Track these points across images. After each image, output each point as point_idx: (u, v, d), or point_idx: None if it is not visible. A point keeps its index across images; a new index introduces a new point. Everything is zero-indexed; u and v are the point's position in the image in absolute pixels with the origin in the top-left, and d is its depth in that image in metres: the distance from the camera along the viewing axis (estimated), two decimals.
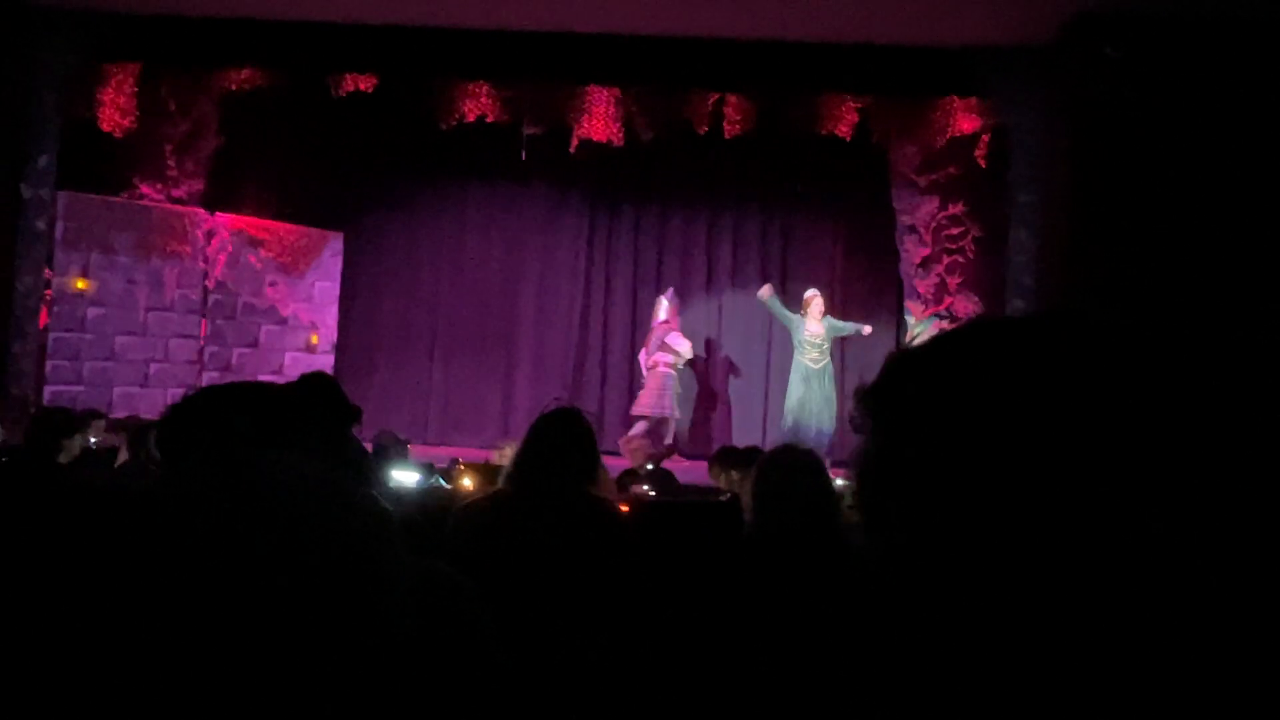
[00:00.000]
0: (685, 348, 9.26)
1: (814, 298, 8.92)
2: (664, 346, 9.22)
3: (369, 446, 5.69)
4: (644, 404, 9.21)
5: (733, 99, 8.45)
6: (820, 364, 8.76)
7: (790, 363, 9.50)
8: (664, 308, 9.37)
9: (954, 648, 0.51)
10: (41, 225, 7.77)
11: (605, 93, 8.48)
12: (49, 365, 7.98)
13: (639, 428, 9.08)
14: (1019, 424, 0.50)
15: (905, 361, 0.55)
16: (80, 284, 8.16)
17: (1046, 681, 0.49)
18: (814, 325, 8.84)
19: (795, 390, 8.76)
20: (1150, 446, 0.49)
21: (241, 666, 0.56)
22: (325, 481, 0.64)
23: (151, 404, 8.13)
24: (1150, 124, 6.86)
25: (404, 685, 0.62)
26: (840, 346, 9.88)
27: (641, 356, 9.51)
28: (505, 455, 5.47)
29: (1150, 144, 6.86)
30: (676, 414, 9.20)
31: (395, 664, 0.61)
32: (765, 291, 8.93)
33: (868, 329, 8.89)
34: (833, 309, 9.31)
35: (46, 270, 7.93)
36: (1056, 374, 0.51)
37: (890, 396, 0.55)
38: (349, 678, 0.59)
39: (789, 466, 2.20)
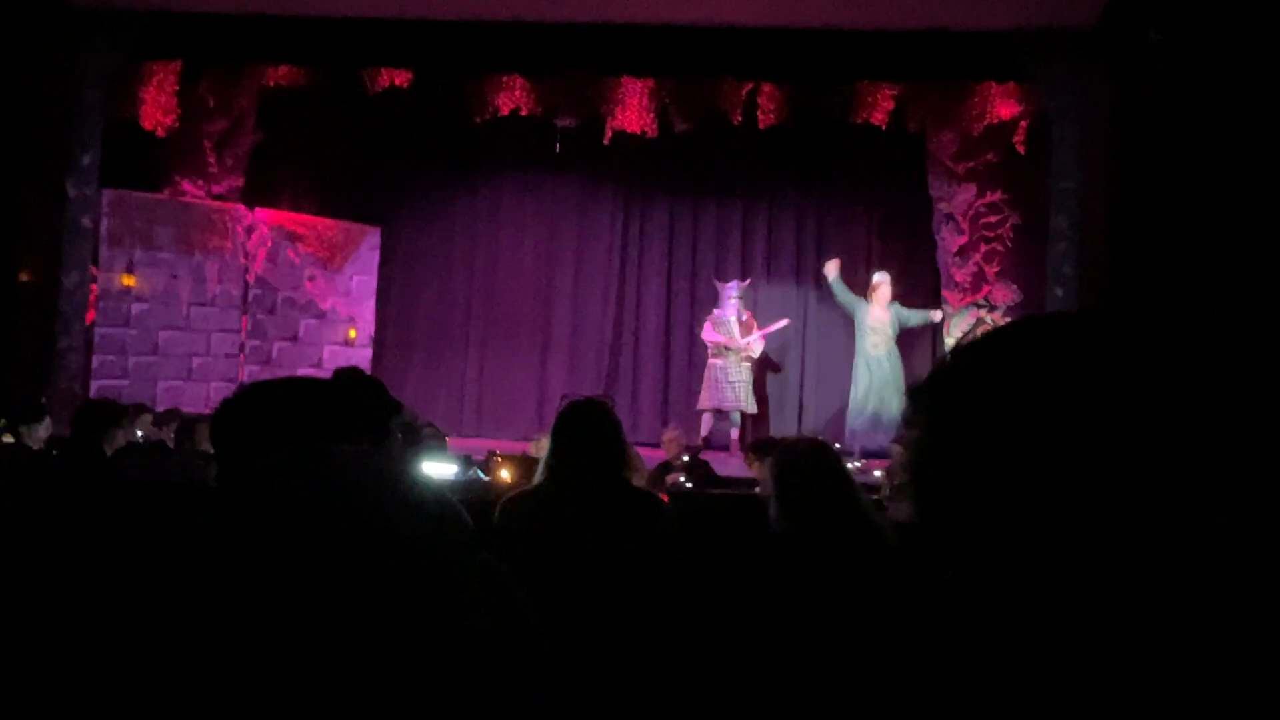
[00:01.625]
0: (717, 340, 9.13)
1: (882, 283, 8.69)
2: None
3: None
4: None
5: (767, 88, 8.40)
6: (882, 349, 8.55)
7: (830, 349, 9.42)
8: (724, 298, 9.23)
9: (1005, 641, 0.51)
10: (87, 223, 7.91)
11: (639, 84, 8.46)
12: (95, 360, 8.14)
13: (704, 421, 9.03)
14: (1075, 423, 0.50)
15: (959, 360, 0.55)
16: (130, 280, 8.32)
17: (1104, 678, 0.49)
18: (879, 311, 8.61)
19: (860, 380, 8.54)
20: (1199, 445, 0.48)
21: (331, 657, 0.56)
22: (397, 475, 0.65)
23: (195, 397, 8.27)
24: (1193, 109, 6.72)
25: (473, 680, 0.63)
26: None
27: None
28: (541, 447, 5.49)
29: (1193, 129, 6.72)
30: (728, 404, 9.02)
31: (468, 659, 0.62)
32: (831, 269, 8.73)
33: (938, 315, 8.66)
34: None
35: (91, 267, 8.08)
36: (1113, 373, 0.50)
37: (946, 395, 0.55)
38: (429, 671, 0.60)
39: (801, 459, 2.17)
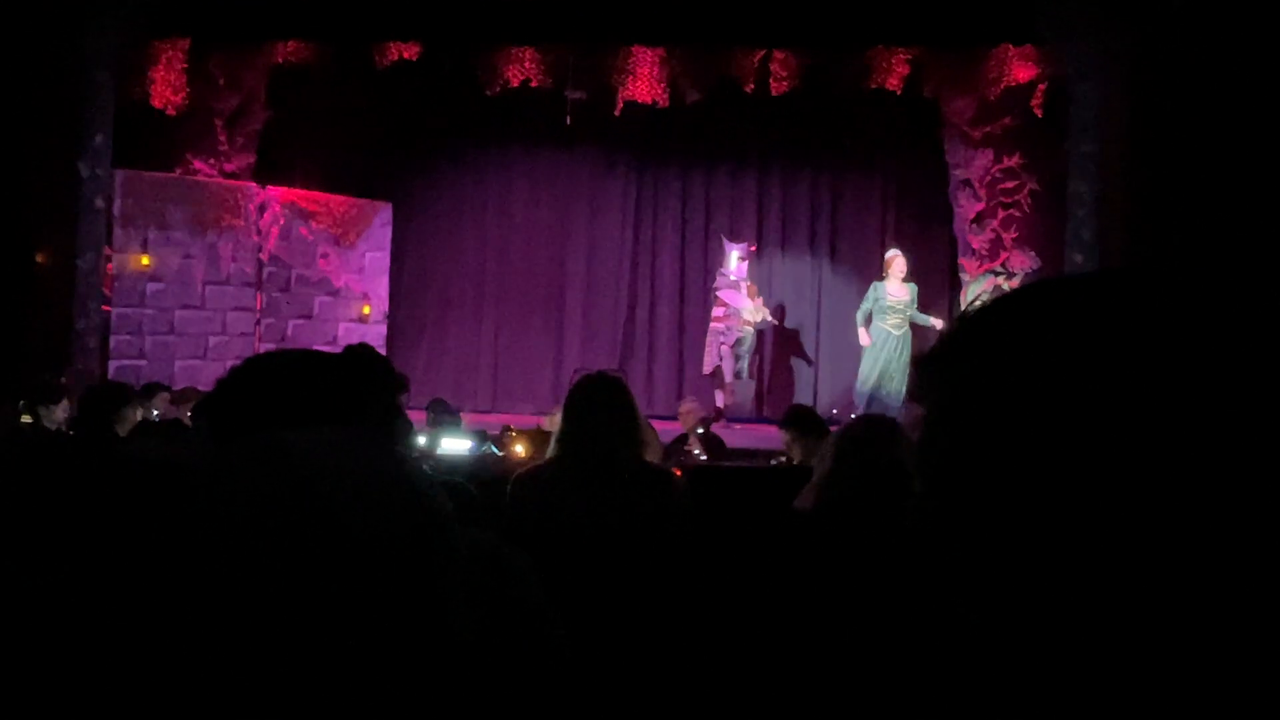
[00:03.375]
0: (740, 305, 8.95)
1: (895, 258, 8.29)
2: (717, 300, 9.08)
3: (424, 414, 5.76)
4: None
5: (779, 55, 8.29)
6: (901, 330, 8.15)
7: (845, 319, 9.30)
8: (730, 259, 9.06)
9: (1011, 628, 0.49)
10: (100, 203, 7.93)
11: (649, 53, 8.38)
12: (112, 341, 8.18)
13: (717, 393, 8.99)
14: (1090, 390, 0.47)
15: (967, 327, 0.52)
16: (143, 260, 8.34)
17: (1110, 671, 0.46)
18: (895, 288, 8.22)
19: (873, 357, 8.16)
20: (1225, 415, 0.45)
21: (281, 652, 0.55)
22: (369, 460, 0.63)
23: (212, 376, 8.31)
24: (1215, 69, 6.58)
25: (461, 666, 0.61)
26: None
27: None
28: (555, 421, 5.49)
29: (1216, 90, 6.58)
30: (731, 374, 8.95)
31: (450, 645, 0.60)
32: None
33: (938, 324, 8.17)
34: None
35: (105, 248, 8.10)
36: (1127, 337, 0.47)
37: (954, 364, 0.52)
38: (404, 662, 0.58)
39: (869, 438, 2.07)
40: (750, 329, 8.96)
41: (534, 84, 8.56)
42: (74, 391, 5.71)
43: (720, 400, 8.96)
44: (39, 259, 7.74)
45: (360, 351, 1.61)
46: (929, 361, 0.52)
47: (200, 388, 7.03)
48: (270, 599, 0.55)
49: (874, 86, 8.29)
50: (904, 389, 8.03)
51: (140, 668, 0.58)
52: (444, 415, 5.55)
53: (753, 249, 9.36)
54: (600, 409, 2.33)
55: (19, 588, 1.02)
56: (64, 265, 7.77)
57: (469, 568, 0.60)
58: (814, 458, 2.55)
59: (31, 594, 0.96)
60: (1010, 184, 8.51)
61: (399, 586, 0.57)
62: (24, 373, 6.49)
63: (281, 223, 8.97)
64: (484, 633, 0.68)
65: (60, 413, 4.99)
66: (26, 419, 4.88)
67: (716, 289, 9.13)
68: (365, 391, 1.17)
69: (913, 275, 8.82)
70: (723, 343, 8.90)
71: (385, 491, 0.60)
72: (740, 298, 8.94)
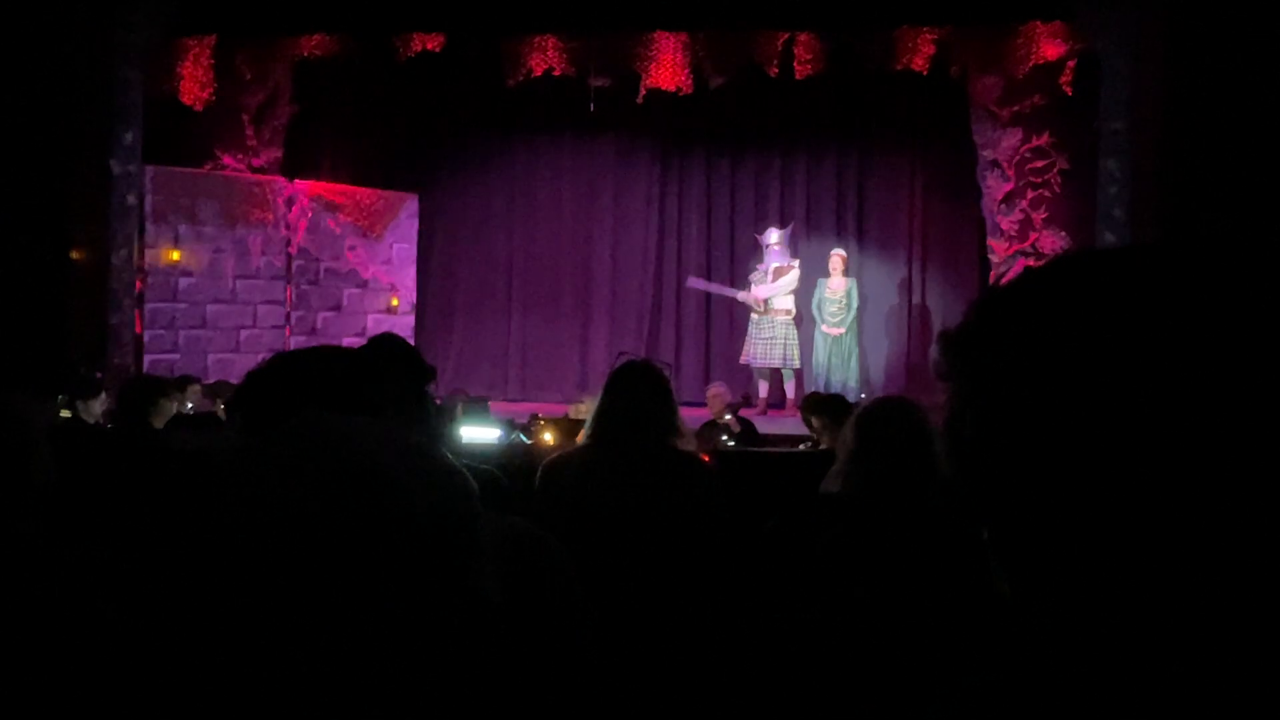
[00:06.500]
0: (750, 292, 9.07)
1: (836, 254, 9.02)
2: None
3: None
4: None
5: (803, 38, 8.22)
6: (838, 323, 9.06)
7: (870, 305, 9.36)
8: (767, 244, 9.13)
9: (1042, 607, 0.49)
10: (131, 200, 8.02)
11: (672, 39, 8.34)
12: (146, 335, 8.30)
13: (759, 383, 9.02)
14: (1122, 364, 0.46)
15: (994, 303, 0.52)
16: (173, 255, 8.44)
17: (1140, 652, 0.46)
18: (835, 283, 8.99)
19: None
20: (1259, 394, 0.44)
21: (323, 630, 0.56)
22: (402, 443, 0.64)
23: (244, 369, 8.31)
24: (1249, 41, 6.44)
25: (490, 641, 0.62)
26: (923, 289, 9.65)
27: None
28: (581, 410, 5.52)
29: (1249, 64, 6.44)
30: (760, 361, 8.97)
31: (480, 620, 0.61)
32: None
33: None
34: (912, 250, 9.06)
35: (138, 243, 8.21)
36: (1160, 308, 0.47)
37: (980, 342, 0.51)
38: (437, 637, 0.59)
39: (887, 418, 2.04)
40: (783, 318, 8.93)
41: (557, 72, 8.55)
42: (111, 385, 5.79)
43: (764, 390, 9.00)
44: (74, 256, 7.86)
45: (385, 342, 1.62)
46: (955, 340, 0.52)
47: (233, 380, 7.12)
48: (311, 570, 0.56)
49: (899, 67, 8.21)
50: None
51: (185, 643, 0.60)
52: (464, 405, 5.58)
53: (783, 230, 9.30)
54: (643, 392, 2.34)
55: (66, 575, 1.05)
56: (98, 262, 7.88)
57: (499, 547, 0.61)
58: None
59: (79, 579, 0.99)
60: (1039, 163, 8.40)
61: (432, 556, 0.58)
62: (62, 368, 6.59)
63: (309, 216, 9.05)
64: (514, 603, 0.69)
65: (98, 406, 5.06)
66: (66, 413, 4.96)
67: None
68: (391, 381, 1.18)
69: (941, 256, 8.79)
70: (754, 334, 8.96)
71: (415, 469, 0.61)
72: (759, 289, 9.01)
